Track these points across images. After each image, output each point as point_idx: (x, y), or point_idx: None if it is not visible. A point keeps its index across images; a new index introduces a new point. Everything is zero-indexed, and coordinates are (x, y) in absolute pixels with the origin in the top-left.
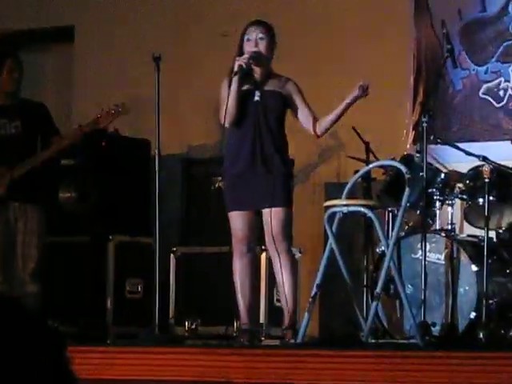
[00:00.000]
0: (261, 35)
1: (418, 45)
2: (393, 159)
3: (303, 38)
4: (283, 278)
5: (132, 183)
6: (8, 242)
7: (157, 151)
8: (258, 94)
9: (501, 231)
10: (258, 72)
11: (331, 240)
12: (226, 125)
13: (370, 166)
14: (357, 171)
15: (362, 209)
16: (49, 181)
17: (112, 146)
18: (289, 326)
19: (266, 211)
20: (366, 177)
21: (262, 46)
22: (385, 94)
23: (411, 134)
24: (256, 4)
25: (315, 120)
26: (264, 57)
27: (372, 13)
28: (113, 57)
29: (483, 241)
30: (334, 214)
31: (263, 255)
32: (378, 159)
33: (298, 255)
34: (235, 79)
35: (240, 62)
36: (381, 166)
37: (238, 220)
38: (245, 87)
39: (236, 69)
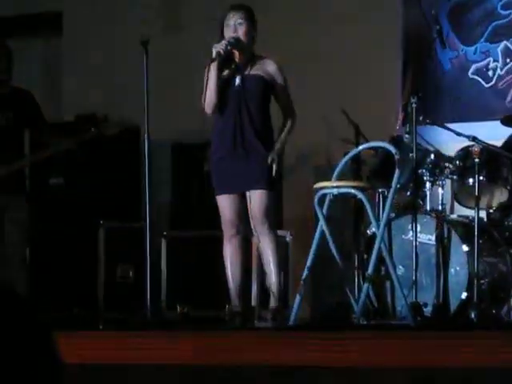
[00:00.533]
0: (240, 20)
1: (406, 26)
2: (382, 141)
3: (289, 20)
4: (265, 258)
5: (121, 169)
6: None
7: (146, 136)
8: (238, 79)
9: (491, 211)
10: (238, 57)
11: (322, 222)
12: (208, 111)
13: (360, 147)
14: (346, 153)
15: (353, 190)
16: (37, 168)
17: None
18: (275, 307)
19: (248, 194)
20: (356, 158)
21: (241, 31)
22: (373, 75)
23: (400, 115)
24: None
25: (283, 119)
26: (243, 42)
27: None
28: (101, 42)
29: (474, 221)
30: (324, 195)
31: (254, 238)
32: (367, 141)
33: (288, 238)
34: (213, 66)
35: (217, 48)
36: (370, 148)
37: (224, 203)
38: (225, 73)
39: (214, 55)
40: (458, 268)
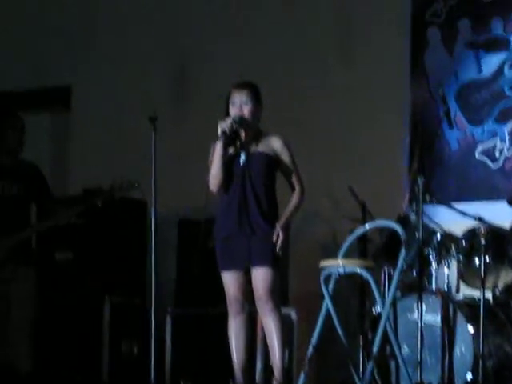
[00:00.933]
0: (245, 99)
1: (414, 106)
2: (389, 219)
3: (299, 96)
4: (269, 336)
5: (128, 243)
6: (2, 304)
7: (153, 211)
8: (243, 157)
9: (497, 292)
10: (243, 135)
11: (327, 300)
12: (213, 189)
13: (366, 226)
14: (353, 231)
15: (358, 269)
16: (44, 241)
17: (108, 205)
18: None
19: (253, 271)
20: (362, 237)
21: (247, 110)
22: (381, 153)
23: (407, 194)
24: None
25: (292, 194)
26: (248, 120)
27: (369, 73)
28: (109, 118)
29: (479, 301)
30: (330, 274)
31: (259, 315)
32: (374, 219)
33: (294, 315)
34: (219, 145)
35: (223, 126)
36: (377, 227)
37: (229, 280)
38: (231, 151)
39: (219, 134)
40: (463, 348)
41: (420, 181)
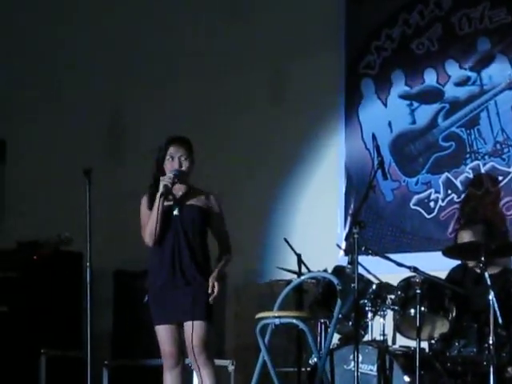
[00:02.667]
0: (185, 155)
1: (348, 157)
2: (325, 271)
3: (238, 153)
4: None
5: (63, 296)
6: None
7: (88, 264)
8: (177, 209)
9: (433, 342)
10: (177, 188)
11: (263, 352)
12: (150, 244)
13: (302, 277)
14: (289, 283)
15: (294, 320)
16: None
17: (43, 258)
18: None
19: (186, 324)
20: (298, 288)
21: (185, 166)
22: (316, 205)
23: (343, 245)
24: None
25: (219, 252)
26: (186, 175)
27: (305, 127)
28: (44, 170)
29: (415, 352)
30: (266, 325)
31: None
32: (309, 271)
33: (230, 367)
34: (160, 200)
35: (165, 181)
36: (313, 278)
37: (163, 333)
38: (165, 204)
39: (162, 189)
40: None
41: (355, 232)
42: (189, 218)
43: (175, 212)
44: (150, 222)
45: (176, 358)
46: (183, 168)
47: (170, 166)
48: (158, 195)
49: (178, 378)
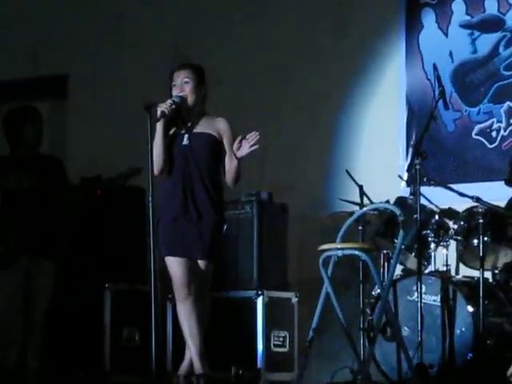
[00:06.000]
0: (186, 79)
1: (409, 88)
2: (387, 202)
3: (297, 86)
4: (189, 323)
5: (128, 231)
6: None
7: (150, 198)
8: (186, 137)
9: (496, 272)
10: (186, 115)
11: (326, 284)
12: (155, 174)
13: (365, 209)
14: (351, 214)
15: (357, 252)
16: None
17: (107, 193)
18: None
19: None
20: (361, 220)
21: (188, 89)
22: (378, 136)
23: (405, 176)
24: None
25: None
26: (189, 99)
27: (364, 59)
28: (106, 106)
29: (479, 282)
30: (329, 257)
31: (259, 299)
32: (372, 202)
33: (294, 299)
34: (159, 127)
35: (162, 107)
36: (375, 209)
37: (174, 265)
38: (171, 131)
39: (158, 115)
40: (463, 329)
41: (417, 163)
42: (199, 146)
43: (185, 141)
44: (154, 153)
45: (188, 288)
46: (186, 92)
47: (175, 92)
48: (158, 123)
49: (193, 308)
